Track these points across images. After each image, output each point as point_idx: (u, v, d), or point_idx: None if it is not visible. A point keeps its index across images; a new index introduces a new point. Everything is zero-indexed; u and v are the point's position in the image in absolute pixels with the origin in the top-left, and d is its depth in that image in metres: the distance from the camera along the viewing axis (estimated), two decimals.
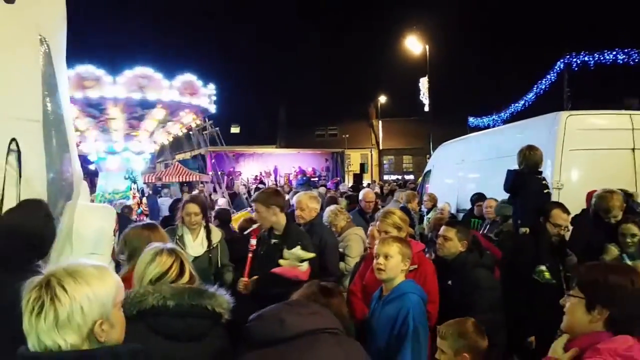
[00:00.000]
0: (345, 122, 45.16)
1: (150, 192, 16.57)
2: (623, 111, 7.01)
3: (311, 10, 77.06)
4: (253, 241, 4.16)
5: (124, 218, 7.52)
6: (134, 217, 9.74)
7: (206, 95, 12.95)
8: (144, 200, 11.76)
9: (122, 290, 1.70)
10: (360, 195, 7.43)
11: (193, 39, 69.77)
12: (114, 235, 4.31)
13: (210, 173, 21.26)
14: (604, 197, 4.64)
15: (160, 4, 68.50)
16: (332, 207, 5.66)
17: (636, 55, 23.35)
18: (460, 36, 61.01)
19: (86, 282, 1.55)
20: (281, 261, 3.86)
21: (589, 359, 1.80)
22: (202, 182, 21.48)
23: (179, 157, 25.93)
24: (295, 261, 3.83)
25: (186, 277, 2.39)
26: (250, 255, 4.11)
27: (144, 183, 15.11)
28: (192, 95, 12.16)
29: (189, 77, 12.25)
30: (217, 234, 4.75)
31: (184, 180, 21.81)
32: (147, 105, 11.73)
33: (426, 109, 26.47)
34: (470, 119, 34.09)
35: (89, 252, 3.77)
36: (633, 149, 6.40)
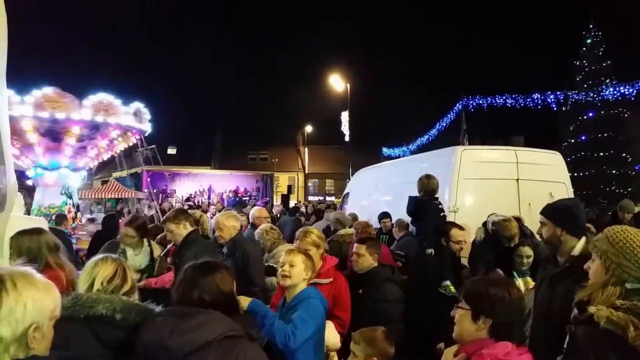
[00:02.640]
0: (276, 148, 45.30)
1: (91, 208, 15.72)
2: (509, 147, 7.31)
3: (248, 45, 77.07)
4: (170, 259, 4.09)
5: (56, 231, 7.05)
6: (68, 230, 9.13)
7: (129, 114, 12.23)
8: (79, 215, 11.08)
9: (59, 309, 1.62)
10: (253, 213, 6.67)
11: (134, 63, 67.51)
12: None
13: (146, 191, 20.44)
14: (504, 225, 4.78)
15: (100, 28, 66.03)
16: (263, 225, 5.40)
17: (522, 100, 25.08)
18: (377, 78, 63.35)
19: (35, 286, 1.52)
20: None
21: None
22: (138, 199, 20.64)
23: (116, 174, 24.68)
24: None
25: (129, 284, 2.31)
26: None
27: (80, 199, 14.25)
28: (109, 113, 11.47)
29: (102, 96, 11.49)
30: (157, 250, 4.67)
31: (119, 196, 20.82)
32: (59, 123, 11.01)
33: (347, 139, 26.91)
34: (384, 149, 35.21)
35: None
36: (517, 180, 6.65)
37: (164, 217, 4.54)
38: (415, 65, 70.50)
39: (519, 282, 4.14)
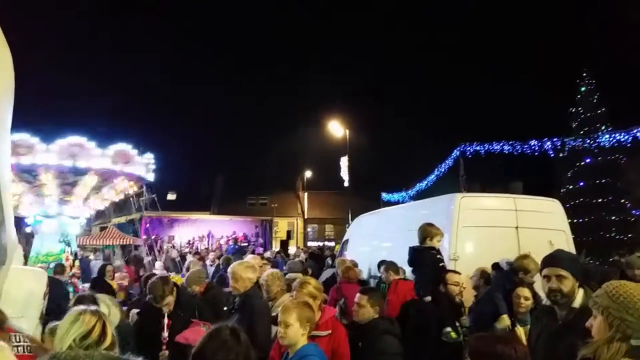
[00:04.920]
0: (275, 193, 45.33)
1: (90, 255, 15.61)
2: (508, 194, 7.37)
3: (247, 91, 78.68)
4: (165, 320, 4.08)
5: (54, 281, 6.99)
6: (65, 278, 9.05)
7: (142, 164, 12.43)
8: (77, 263, 11.00)
9: None
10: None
11: (136, 110, 68.74)
12: (44, 298, 4.00)
13: (144, 237, 20.38)
14: (522, 262, 4.77)
15: (102, 75, 67.55)
16: (270, 271, 5.18)
17: (519, 146, 25.49)
18: (376, 124, 64.22)
19: None
20: None
21: None
22: (135, 246, 20.52)
23: (115, 220, 24.66)
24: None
25: (108, 340, 2.23)
26: (166, 331, 4.03)
27: (78, 246, 14.18)
28: (126, 163, 11.65)
29: (122, 146, 11.67)
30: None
31: (117, 243, 20.71)
32: (79, 172, 11.13)
33: (346, 184, 27.11)
34: (384, 194, 35.25)
35: (18, 315, 3.43)
36: (516, 227, 6.62)
37: (150, 297, 4.48)
38: (414, 111, 71.81)
39: (520, 332, 4.08)
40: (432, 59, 75.18)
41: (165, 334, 4.07)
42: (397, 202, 29.06)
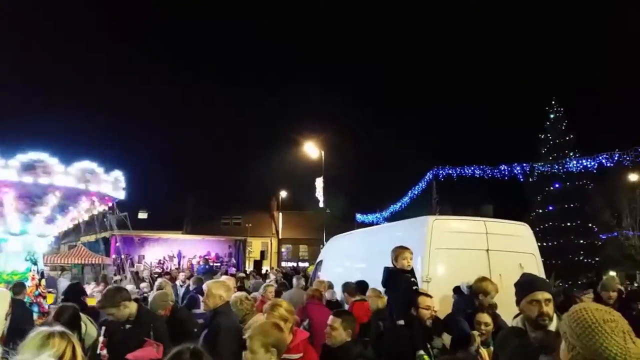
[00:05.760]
0: (249, 213, 45.09)
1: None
2: (479, 218, 7.40)
3: (223, 110, 78.55)
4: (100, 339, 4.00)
5: (16, 301, 6.75)
6: (30, 298, 8.74)
7: (109, 182, 12.12)
8: (43, 282, 10.62)
9: None
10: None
11: (109, 129, 67.71)
12: (5, 319, 3.87)
13: (114, 256, 19.92)
14: (480, 285, 4.89)
15: (73, 93, 66.46)
16: (238, 294, 5.23)
17: (489, 170, 26.07)
18: (351, 146, 64.92)
19: None
20: None
21: None
22: (104, 265, 20.00)
23: (84, 239, 24.00)
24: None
25: None
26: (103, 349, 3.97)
27: (45, 264, 13.72)
28: (90, 182, 11.33)
29: (86, 164, 11.43)
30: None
31: (86, 262, 20.15)
32: (41, 189, 10.77)
33: (321, 204, 27.10)
34: (358, 215, 35.48)
35: None
36: (487, 250, 6.67)
37: (100, 301, 4.41)
38: (389, 134, 72.89)
39: (484, 353, 4.12)
40: (407, 84, 76.88)
41: (103, 352, 3.96)
42: (371, 223, 29.21)
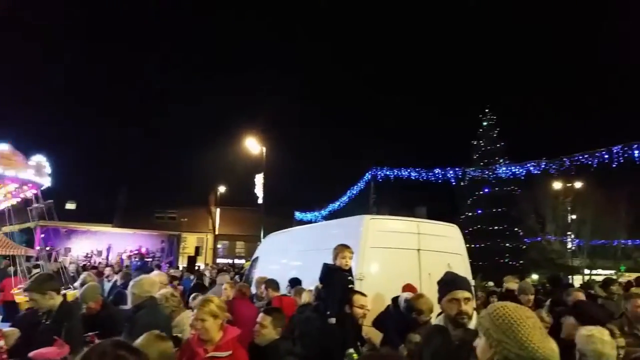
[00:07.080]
0: (186, 207, 43.77)
1: None
2: (412, 218, 7.61)
3: (160, 99, 76.02)
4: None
5: None
6: None
7: (31, 167, 11.44)
8: None
9: None
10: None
11: (34, 109, 63.73)
12: None
13: (38, 247, 18.76)
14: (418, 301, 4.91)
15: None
16: (163, 291, 5.11)
17: (424, 173, 26.98)
18: (293, 144, 64.95)
19: None
20: None
21: None
22: (27, 257, 18.75)
23: (6, 229, 22.41)
24: None
25: None
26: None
27: None
28: (8, 166, 10.63)
29: (1, 146, 10.78)
30: None
31: (7, 253, 18.81)
32: None
33: (260, 201, 26.88)
34: (297, 213, 35.60)
35: None
36: (418, 250, 6.87)
37: (27, 284, 4.23)
38: (330, 134, 73.66)
39: None
40: (350, 86, 77.91)
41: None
42: (310, 222, 29.36)
